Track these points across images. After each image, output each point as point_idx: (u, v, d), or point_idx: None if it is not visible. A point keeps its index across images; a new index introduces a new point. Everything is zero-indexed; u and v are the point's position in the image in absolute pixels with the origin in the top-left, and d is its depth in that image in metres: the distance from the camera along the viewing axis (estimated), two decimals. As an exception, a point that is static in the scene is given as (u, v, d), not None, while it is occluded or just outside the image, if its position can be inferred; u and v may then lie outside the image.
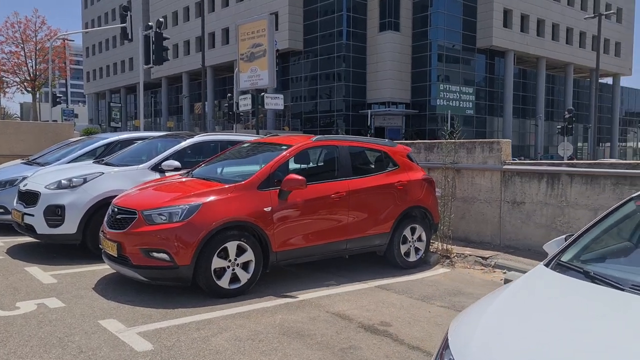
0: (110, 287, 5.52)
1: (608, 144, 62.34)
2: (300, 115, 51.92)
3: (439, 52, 46.98)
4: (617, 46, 59.79)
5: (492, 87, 51.22)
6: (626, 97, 66.39)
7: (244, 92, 19.29)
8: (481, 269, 6.70)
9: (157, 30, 18.24)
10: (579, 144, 58.01)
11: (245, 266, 5.38)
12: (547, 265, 2.73)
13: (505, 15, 48.85)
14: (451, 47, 47.65)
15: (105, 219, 5.69)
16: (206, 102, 38.53)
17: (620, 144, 65.55)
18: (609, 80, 61.94)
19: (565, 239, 2.94)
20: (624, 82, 64.06)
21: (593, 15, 33.50)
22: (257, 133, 13.07)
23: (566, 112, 32.80)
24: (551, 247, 2.98)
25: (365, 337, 4.29)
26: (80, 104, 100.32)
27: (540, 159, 44.72)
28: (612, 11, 37.38)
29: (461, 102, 48.40)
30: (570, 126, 31.41)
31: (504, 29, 48.74)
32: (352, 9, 47.30)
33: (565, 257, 2.74)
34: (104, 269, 6.09)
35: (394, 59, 46.64)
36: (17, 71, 40.53)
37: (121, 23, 23.15)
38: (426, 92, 47.55)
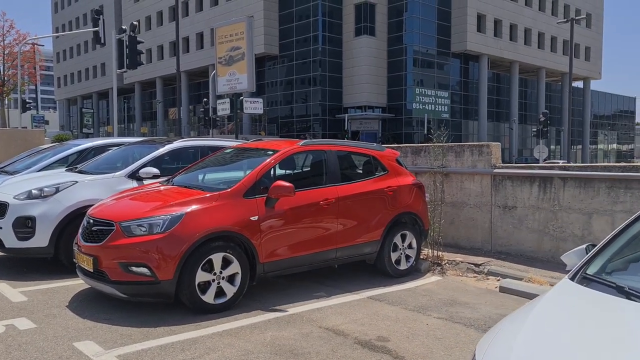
0: (85, 304, 5.15)
1: (579, 146, 63.52)
2: (276, 120, 51.58)
3: (414, 56, 47.21)
4: (587, 50, 61.04)
5: (466, 91, 51.72)
6: (595, 100, 67.83)
7: (220, 97, 18.93)
8: (474, 277, 6.51)
9: (131, 33, 17.80)
10: (552, 147, 58.90)
11: (231, 279, 5.07)
12: (572, 279, 2.51)
13: (479, 20, 49.42)
14: (426, 51, 47.95)
15: (80, 231, 5.32)
16: (181, 108, 37.84)
17: (591, 146, 66.87)
18: (579, 84, 63.16)
19: (587, 250, 2.72)
20: (594, 85, 65.45)
21: (565, 20, 34.07)
22: (236, 138, 12.73)
23: (541, 116, 33.21)
24: (571, 258, 2.76)
25: (363, 355, 4.03)
26: (50, 110, 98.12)
27: (515, 162, 45.24)
28: (582, 16, 38.08)
29: (437, 106, 48.71)
30: (546, 129, 31.81)
31: (478, 33, 49.30)
32: (328, 14, 47.24)
33: (591, 270, 2.53)
34: (79, 284, 5.71)
35: (369, 64, 46.71)
36: (-16, 77, 39.27)
37: (93, 27, 22.56)
38: (402, 96, 47.71)
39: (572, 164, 6.58)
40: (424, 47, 47.63)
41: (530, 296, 5.63)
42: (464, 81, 51.56)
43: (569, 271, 2.69)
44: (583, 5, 59.30)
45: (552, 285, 5.85)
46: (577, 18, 33.93)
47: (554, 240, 6.59)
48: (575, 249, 2.81)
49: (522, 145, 57.59)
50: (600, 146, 70.63)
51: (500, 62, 53.61)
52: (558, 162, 28.52)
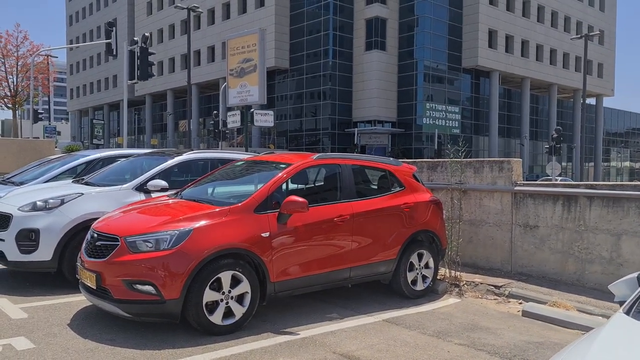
0: (88, 323, 4.91)
1: (592, 164, 62.84)
2: (285, 133, 51.50)
3: (424, 71, 47.02)
4: (600, 67, 60.65)
5: (477, 107, 51.41)
6: (608, 117, 67.24)
7: (230, 109, 18.81)
8: (494, 299, 6.20)
9: (143, 45, 17.77)
10: (563, 164, 58.32)
11: (240, 299, 4.81)
12: (627, 313, 2.23)
13: (490, 36, 49.26)
14: (437, 66, 47.77)
15: (84, 245, 5.09)
16: (191, 120, 37.88)
17: (604, 163, 66.15)
18: (592, 101, 62.68)
19: (638, 280, 2.44)
20: (606, 102, 64.93)
21: (579, 36, 33.81)
22: (246, 151, 12.53)
23: (554, 132, 32.82)
24: (620, 288, 2.49)
25: (382, 385, 3.75)
26: (63, 121, 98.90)
27: (526, 179, 44.72)
28: (596, 32, 37.80)
29: (447, 121, 48.40)
30: (559, 146, 31.40)
31: (489, 49, 49.11)
32: (339, 28, 47.30)
33: (648, 304, 2.25)
34: (82, 300, 5.47)
35: (380, 78, 46.60)
36: (-3, 86, 39.53)
37: (106, 39, 22.66)
38: (412, 111, 47.47)
39: (599, 183, 6.27)
40: (434, 62, 47.47)
41: (556, 322, 5.34)
42: (474, 97, 51.29)
43: (614, 301, 2.41)
44: (596, 22, 59.05)
45: (579, 310, 5.54)
46: (590, 35, 33.65)
47: (580, 262, 6.28)
48: (625, 278, 2.54)
49: (533, 162, 57.05)
50: (612, 163, 69.86)
51: (512, 78, 53.33)
52: (557, 180, 28.03)
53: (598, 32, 44.47)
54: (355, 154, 8.14)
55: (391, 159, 6.76)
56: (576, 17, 57.23)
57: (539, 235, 6.67)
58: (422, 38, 46.94)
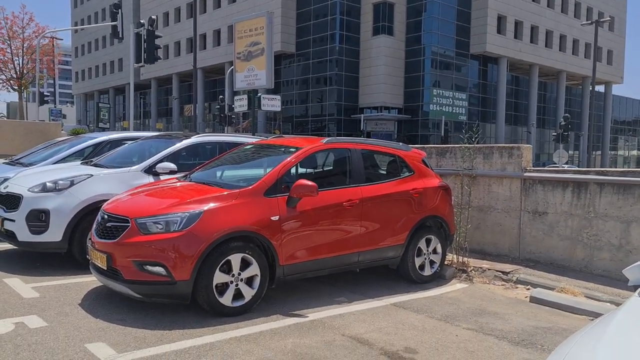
0: (99, 303, 4.95)
1: (599, 152, 62.49)
2: (291, 119, 51.37)
3: (432, 57, 46.66)
4: (609, 54, 60.02)
5: (484, 94, 51.06)
6: (616, 105, 66.68)
7: (237, 93, 18.74)
8: (502, 285, 6.21)
9: (149, 27, 17.67)
10: (570, 152, 58.04)
11: (249, 281, 4.84)
12: (643, 296, 2.22)
13: (499, 22, 48.74)
14: (444, 52, 47.39)
15: (94, 226, 5.12)
16: (196, 104, 37.73)
17: (611, 152, 65.75)
18: (600, 88, 62.13)
19: (653, 263, 2.43)
20: (615, 90, 64.33)
21: (589, 22, 33.40)
22: (253, 135, 12.51)
23: (562, 120, 32.59)
24: (634, 273, 2.48)
25: (391, 367, 3.77)
26: (68, 104, 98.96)
27: (533, 166, 44.49)
28: (606, 18, 37.28)
29: (454, 108, 48.14)
30: (566, 133, 31.20)
31: (498, 35, 48.63)
32: (346, 13, 46.90)
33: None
34: (92, 280, 5.52)
35: (387, 64, 46.28)
36: (3, 68, 39.49)
37: (112, 21, 22.54)
38: (419, 97, 47.21)
39: (610, 169, 6.23)
40: (442, 48, 47.08)
41: (564, 307, 5.35)
42: (482, 83, 50.92)
43: (628, 285, 2.41)
44: (606, 8, 58.29)
45: (587, 297, 5.54)
46: (601, 21, 33.22)
47: (588, 248, 6.26)
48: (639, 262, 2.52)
49: (540, 150, 56.77)
50: (620, 152, 69.44)
51: (520, 65, 52.87)
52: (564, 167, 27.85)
53: (608, 18, 43.94)
54: (364, 138, 8.12)
55: (400, 144, 6.73)
56: (587, 2, 56.50)
57: (548, 221, 6.65)
58: (430, 23, 46.50)
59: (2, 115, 76.29)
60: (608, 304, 5.33)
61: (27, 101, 44.00)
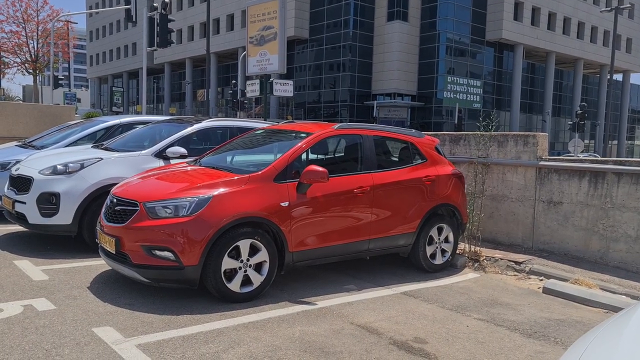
0: (107, 287, 4.94)
1: (615, 142, 61.53)
2: (304, 105, 51.17)
3: (447, 43, 46.06)
4: (628, 42, 58.80)
5: (500, 81, 50.38)
6: (634, 94, 65.49)
7: (249, 78, 18.63)
8: (514, 275, 6.11)
9: (162, 11, 17.59)
10: (586, 141, 57.23)
11: (258, 267, 4.80)
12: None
13: (515, 8, 47.90)
14: (459, 39, 46.74)
15: (103, 210, 5.10)
16: (209, 89, 37.69)
17: (628, 142, 64.72)
18: (618, 77, 61.00)
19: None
20: (633, 78, 63.20)
21: (609, 9, 32.67)
22: (265, 120, 12.43)
23: (578, 108, 32.06)
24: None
25: (400, 358, 3.71)
26: (83, 88, 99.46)
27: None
28: (627, 5, 36.41)
29: (468, 95, 47.58)
30: (582, 122, 30.71)
31: (514, 22, 47.83)
32: (360, -2, 46.38)
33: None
34: (101, 264, 5.53)
35: (401, 50, 45.79)
36: (18, 51, 39.70)
37: (125, 5, 22.48)
38: (433, 84, 46.70)
39: (629, 159, 6.06)
40: (457, 34, 46.44)
41: (578, 299, 5.24)
42: (497, 71, 50.23)
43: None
44: (626, -5, 57.02)
45: (602, 289, 5.43)
46: (620, 7, 32.46)
47: (604, 240, 6.13)
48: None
49: (554, 139, 56.06)
50: (637, 142, 68.32)
51: (536, 52, 52.02)
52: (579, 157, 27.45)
53: (629, 5, 42.94)
54: (376, 124, 8.02)
55: (413, 130, 6.61)
56: (606, -11, 55.33)
57: (563, 211, 6.51)
58: (445, 9, 45.83)
59: (18, 98, 76.87)
60: (624, 296, 5.22)
61: (42, 85, 44.25)
